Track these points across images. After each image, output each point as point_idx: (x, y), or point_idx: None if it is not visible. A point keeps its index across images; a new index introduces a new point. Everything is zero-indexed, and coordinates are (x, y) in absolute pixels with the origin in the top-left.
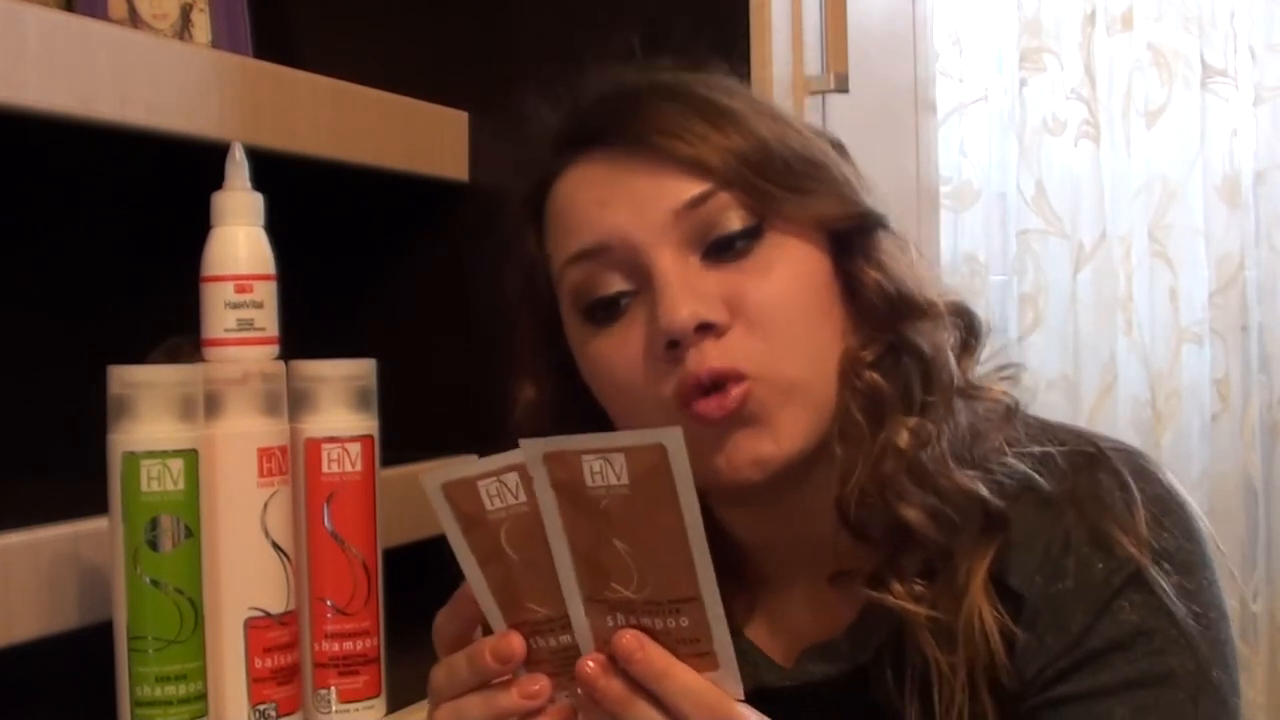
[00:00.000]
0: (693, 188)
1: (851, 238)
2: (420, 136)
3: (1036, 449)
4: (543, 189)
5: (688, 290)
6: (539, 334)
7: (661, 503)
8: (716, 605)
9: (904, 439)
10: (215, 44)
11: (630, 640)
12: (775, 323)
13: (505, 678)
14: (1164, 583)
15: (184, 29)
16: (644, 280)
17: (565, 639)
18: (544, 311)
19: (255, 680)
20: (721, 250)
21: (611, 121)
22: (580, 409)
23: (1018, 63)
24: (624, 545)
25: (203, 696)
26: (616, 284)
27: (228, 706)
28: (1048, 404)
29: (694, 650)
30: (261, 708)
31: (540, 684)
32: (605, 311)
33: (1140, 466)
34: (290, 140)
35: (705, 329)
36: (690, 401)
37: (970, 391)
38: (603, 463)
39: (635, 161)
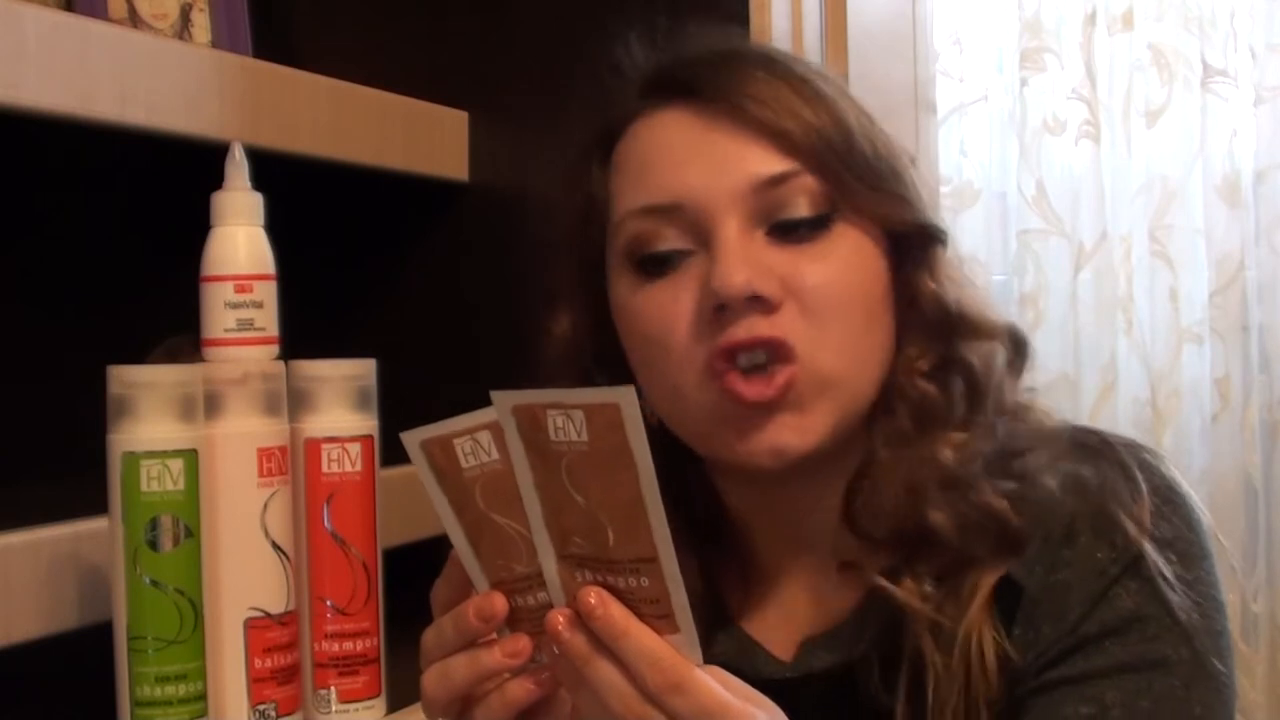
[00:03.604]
0: (775, 163)
1: (913, 247)
2: (420, 136)
3: (1070, 467)
4: (617, 130)
5: (747, 260)
6: (583, 272)
7: (618, 462)
8: (674, 567)
9: (948, 453)
10: (215, 44)
11: (593, 597)
12: (827, 309)
13: (491, 637)
14: (1163, 572)
15: (184, 29)
16: (704, 243)
17: (543, 597)
18: (592, 251)
19: (255, 680)
20: (787, 231)
21: (704, 77)
22: (612, 350)
23: (1018, 63)
24: (585, 502)
25: (203, 696)
26: (676, 241)
27: (228, 706)
28: (1048, 404)
29: (656, 611)
30: (261, 708)
31: (522, 643)
32: (659, 265)
33: (1144, 459)
34: (290, 140)
35: (756, 301)
36: (724, 373)
37: (1016, 412)
38: (564, 418)
39: (721, 121)
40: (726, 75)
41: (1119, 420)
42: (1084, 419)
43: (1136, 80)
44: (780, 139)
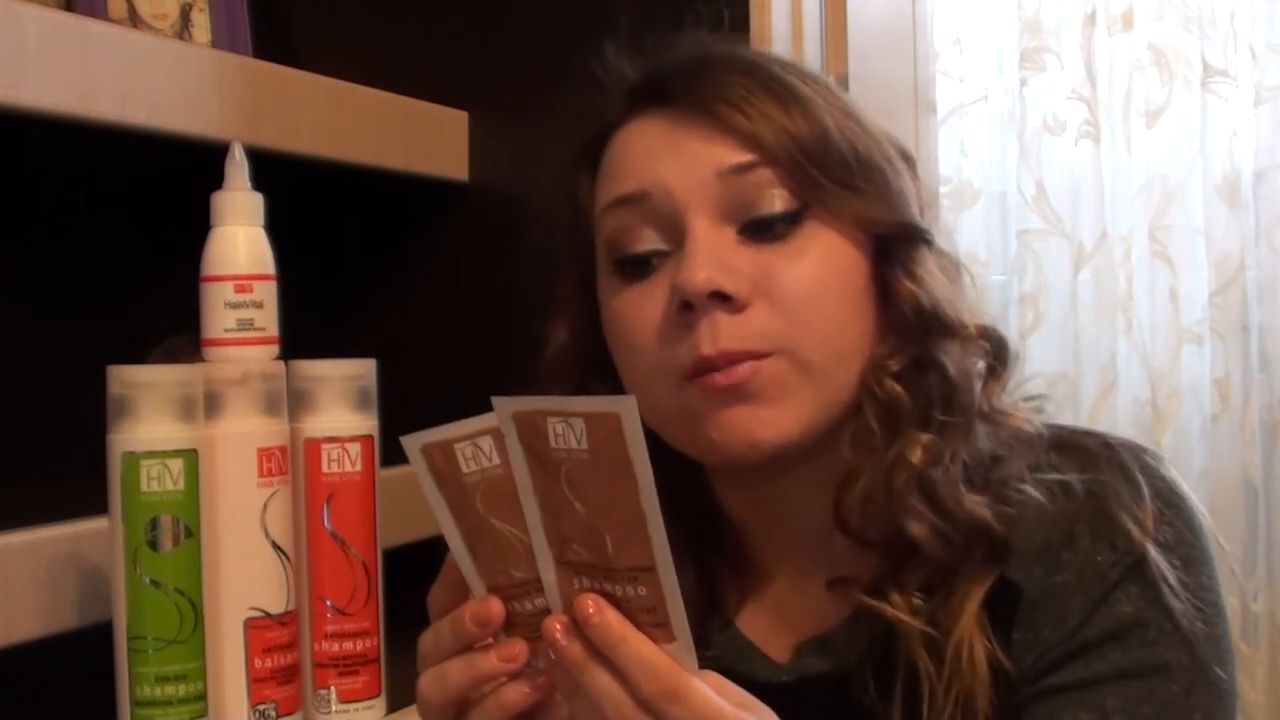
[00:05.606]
0: (741, 155)
1: (893, 246)
2: (420, 136)
3: (1055, 476)
4: (603, 138)
5: (713, 257)
6: (579, 281)
7: (617, 471)
8: (671, 577)
9: (917, 455)
10: (215, 44)
11: (589, 605)
12: (800, 305)
13: (487, 642)
14: (1165, 576)
15: (184, 29)
16: (677, 240)
17: (540, 602)
18: (584, 260)
19: (255, 680)
20: (759, 230)
21: (681, 84)
22: (606, 358)
23: (1018, 63)
24: (584, 510)
25: (203, 696)
26: (650, 241)
27: (228, 706)
28: (1052, 410)
29: (653, 620)
30: (261, 708)
31: (519, 647)
32: (636, 268)
33: (1146, 462)
34: (290, 140)
35: (720, 298)
36: (695, 375)
37: (993, 417)
38: (564, 426)
39: (693, 124)
40: (701, 81)
41: (1119, 420)
42: (1084, 419)
43: (1136, 80)
44: (749, 138)
